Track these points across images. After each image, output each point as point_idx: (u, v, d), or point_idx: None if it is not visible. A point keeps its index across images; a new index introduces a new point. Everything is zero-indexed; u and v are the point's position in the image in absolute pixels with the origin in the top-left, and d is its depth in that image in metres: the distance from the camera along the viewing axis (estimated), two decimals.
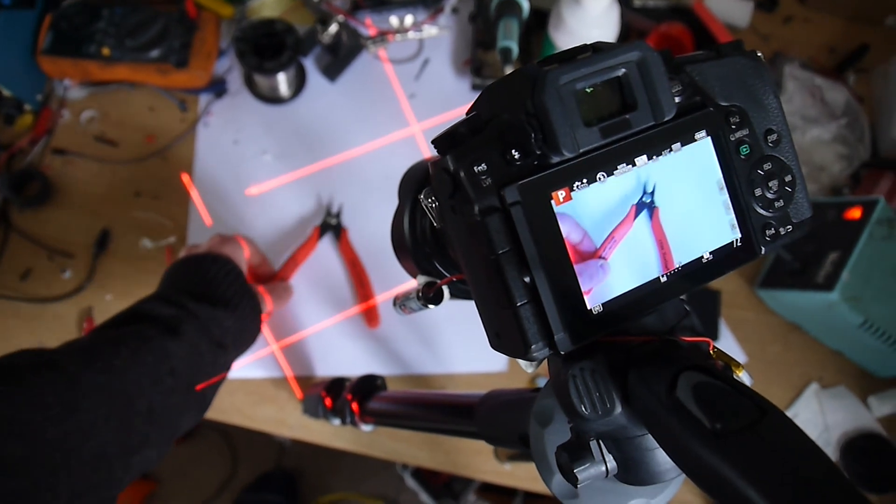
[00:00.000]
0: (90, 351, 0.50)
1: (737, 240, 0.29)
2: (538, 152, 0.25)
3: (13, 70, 0.81)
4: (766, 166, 0.29)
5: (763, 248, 0.29)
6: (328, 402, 0.67)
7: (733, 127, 0.29)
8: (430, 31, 0.89)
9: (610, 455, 0.28)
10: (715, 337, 0.81)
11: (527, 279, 0.25)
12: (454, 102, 0.87)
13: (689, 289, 0.28)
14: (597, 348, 0.27)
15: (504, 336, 0.27)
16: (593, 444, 0.28)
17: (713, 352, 0.27)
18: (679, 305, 0.30)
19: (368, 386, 0.66)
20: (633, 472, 0.28)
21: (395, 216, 0.38)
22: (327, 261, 0.81)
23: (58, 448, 0.42)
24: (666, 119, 0.27)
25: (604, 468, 0.28)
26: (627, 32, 0.89)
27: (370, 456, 0.76)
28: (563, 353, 0.26)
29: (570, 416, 0.27)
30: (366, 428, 0.65)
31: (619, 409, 0.26)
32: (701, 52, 0.30)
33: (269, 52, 0.80)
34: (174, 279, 0.62)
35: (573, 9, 0.75)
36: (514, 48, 0.77)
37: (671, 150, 0.27)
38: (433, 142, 0.27)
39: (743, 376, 0.26)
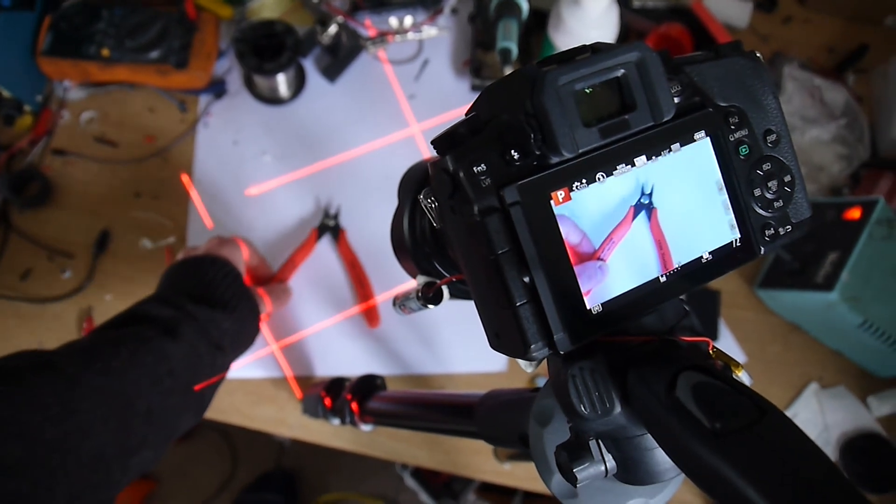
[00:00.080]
0: (89, 352, 0.50)
1: (736, 240, 0.29)
2: (537, 153, 0.25)
3: (13, 71, 0.81)
4: (766, 166, 0.29)
5: (762, 249, 0.29)
6: (328, 401, 0.67)
7: (732, 127, 0.29)
8: (429, 31, 0.89)
9: (609, 455, 0.28)
10: (714, 337, 0.81)
11: (526, 279, 0.25)
12: (454, 103, 0.87)
13: (689, 289, 0.28)
14: (596, 348, 0.27)
15: (503, 336, 0.27)
16: (592, 443, 0.28)
17: (713, 352, 0.27)
18: (678, 305, 0.30)
19: (368, 386, 0.66)
20: (632, 471, 0.28)
21: (395, 216, 0.38)
22: (326, 261, 0.81)
23: (56, 449, 0.42)
24: (665, 119, 0.27)
25: (603, 468, 0.28)
26: (626, 33, 0.89)
27: (370, 456, 0.76)
28: (562, 352, 0.26)
29: (570, 415, 0.27)
30: (365, 428, 0.65)
31: (618, 408, 0.26)
32: (700, 53, 0.30)
33: (269, 52, 0.80)
34: (173, 281, 0.62)
35: (572, 9, 0.75)
36: (514, 49, 0.78)
37: (670, 150, 0.27)
38: (433, 142, 0.27)
39: (742, 376, 0.26)
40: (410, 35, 0.88)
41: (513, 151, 0.25)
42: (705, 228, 0.28)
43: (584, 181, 0.26)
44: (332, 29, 0.83)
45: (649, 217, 0.27)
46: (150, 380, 0.50)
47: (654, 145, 0.27)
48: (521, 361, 0.28)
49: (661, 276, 0.27)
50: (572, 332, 0.26)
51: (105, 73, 0.83)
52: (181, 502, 1.44)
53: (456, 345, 0.79)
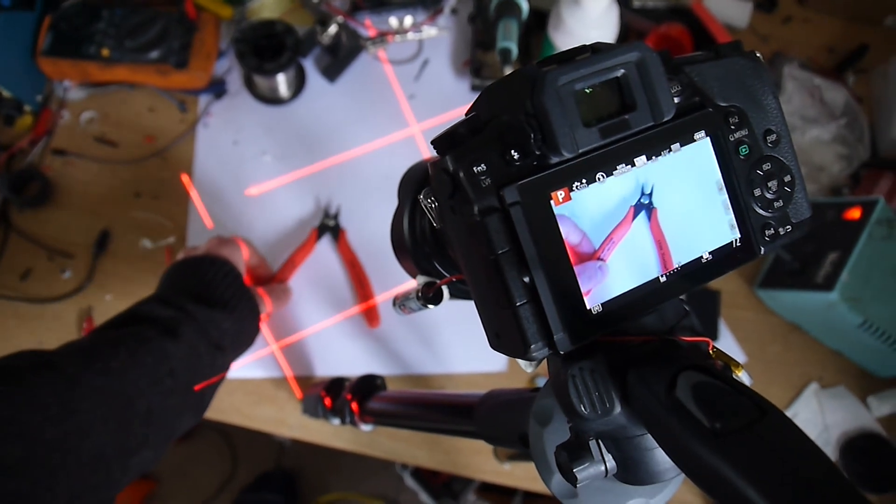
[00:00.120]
0: (89, 352, 0.50)
1: (736, 240, 0.29)
2: (537, 153, 0.25)
3: (13, 71, 0.81)
4: (766, 166, 0.29)
5: (762, 249, 0.29)
6: (328, 401, 0.67)
7: (732, 127, 0.29)
8: (429, 31, 0.89)
9: (609, 455, 0.28)
10: (714, 337, 0.81)
11: (526, 279, 0.25)
12: (453, 103, 0.87)
13: (689, 289, 0.28)
14: (596, 348, 0.27)
15: (504, 336, 0.27)
16: (592, 443, 0.28)
17: (712, 352, 0.27)
18: (678, 305, 0.30)
19: (368, 386, 0.66)
20: (632, 471, 0.28)
21: (395, 216, 0.38)
22: (327, 261, 0.81)
23: (56, 449, 0.42)
24: (665, 119, 0.27)
25: (603, 468, 0.28)
26: (626, 33, 0.89)
27: (370, 456, 0.76)
28: (562, 352, 0.26)
29: (570, 415, 0.27)
30: (365, 428, 0.65)
31: (618, 408, 0.26)
32: (700, 53, 0.30)
33: (269, 53, 0.80)
34: (173, 281, 0.62)
35: (572, 9, 0.75)
36: (514, 49, 0.78)
37: (670, 150, 0.27)
38: (433, 142, 0.27)
39: (742, 376, 0.26)
40: (410, 35, 0.88)
41: (513, 151, 0.25)
42: (705, 228, 0.28)
43: (584, 181, 0.26)
44: (332, 29, 0.84)
45: (649, 217, 0.27)
46: (149, 380, 0.50)
47: (654, 145, 0.27)
48: (521, 361, 0.28)
49: (661, 276, 0.27)
50: (572, 332, 0.26)
51: (105, 73, 0.83)
52: (181, 502, 1.44)
53: (456, 345, 0.78)
